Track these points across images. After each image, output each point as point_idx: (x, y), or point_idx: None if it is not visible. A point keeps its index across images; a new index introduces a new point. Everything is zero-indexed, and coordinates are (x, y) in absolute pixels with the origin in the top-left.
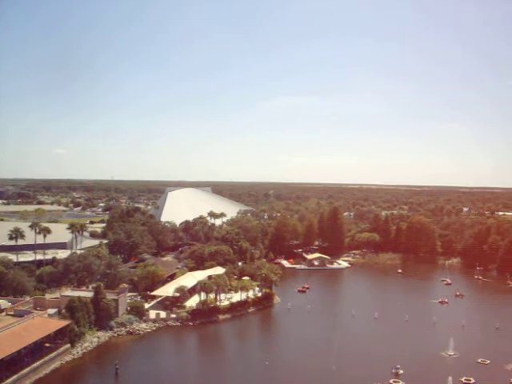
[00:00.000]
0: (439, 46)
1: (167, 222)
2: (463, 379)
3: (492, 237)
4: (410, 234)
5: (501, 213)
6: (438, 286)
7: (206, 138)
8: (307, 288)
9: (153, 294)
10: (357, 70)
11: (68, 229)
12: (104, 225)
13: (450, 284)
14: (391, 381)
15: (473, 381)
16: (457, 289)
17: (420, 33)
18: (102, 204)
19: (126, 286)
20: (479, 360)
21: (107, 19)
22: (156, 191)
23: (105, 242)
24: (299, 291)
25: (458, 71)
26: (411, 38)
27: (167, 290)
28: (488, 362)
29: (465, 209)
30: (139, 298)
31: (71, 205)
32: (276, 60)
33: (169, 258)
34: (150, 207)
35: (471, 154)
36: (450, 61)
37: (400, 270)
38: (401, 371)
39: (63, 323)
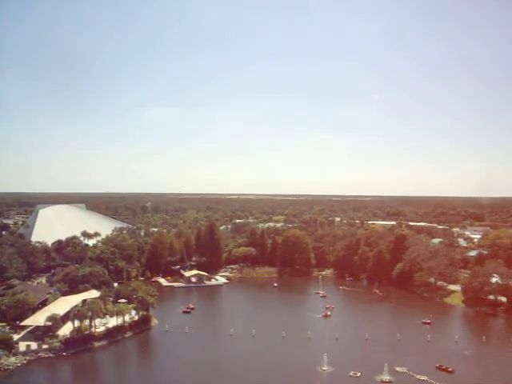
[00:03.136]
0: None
1: (38, 242)
2: None
3: (361, 248)
4: (286, 248)
5: (370, 222)
6: (313, 298)
7: (79, 145)
8: (192, 308)
9: (22, 323)
10: (234, 83)
11: None
12: None
13: (324, 296)
14: None
15: None
16: (327, 301)
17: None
18: None
19: None
20: (351, 373)
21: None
22: (27, 205)
23: None
24: (184, 312)
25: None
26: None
27: (38, 319)
28: (359, 374)
29: (337, 219)
30: (7, 328)
31: None
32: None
33: (41, 280)
34: (20, 223)
35: (345, 164)
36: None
37: (276, 284)
38: None
39: None
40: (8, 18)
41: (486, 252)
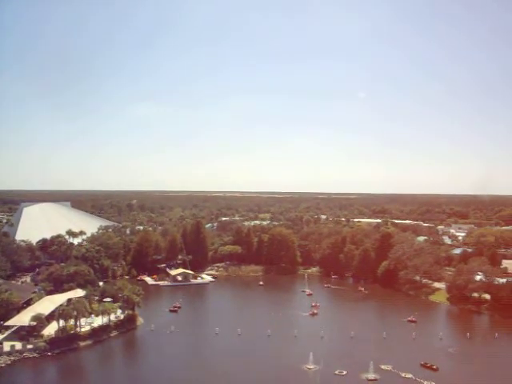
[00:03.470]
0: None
1: (23, 240)
2: None
3: (347, 246)
4: (272, 246)
5: (356, 220)
6: (299, 297)
7: (64, 143)
8: (179, 307)
9: (7, 323)
10: (224, 83)
11: None
12: None
13: (311, 294)
14: None
15: None
16: (313, 300)
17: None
18: None
19: None
20: (337, 371)
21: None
22: (11, 203)
23: None
24: (171, 311)
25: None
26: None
27: (23, 319)
28: (345, 372)
29: (323, 217)
30: None
31: None
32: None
33: (26, 279)
34: (5, 221)
35: (332, 162)
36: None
37: (261, 282)
38: None
39: None
40: (6, 17)
41: (470, 250)
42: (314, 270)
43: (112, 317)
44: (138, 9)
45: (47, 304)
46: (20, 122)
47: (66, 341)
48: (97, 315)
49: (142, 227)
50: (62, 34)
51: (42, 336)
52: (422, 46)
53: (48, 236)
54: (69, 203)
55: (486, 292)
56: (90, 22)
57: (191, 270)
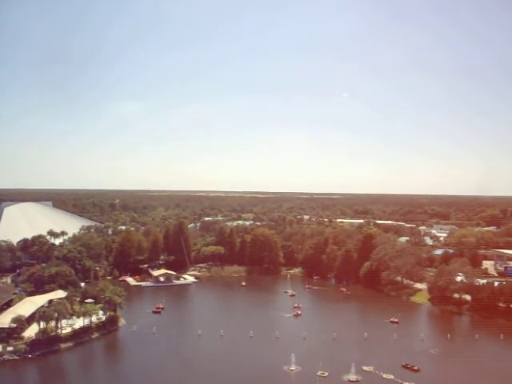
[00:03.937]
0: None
1: (3, 240)
2: None
3: (330, 247)
4: (255, 246)
5: (338, 220)
6: (282, 297)
7: (50, 144)
8: (162, 308)
9: None
10: (210, 81)
11: None
12: None
13: (293, 295)
14: None
15: None
16: (295, 300)
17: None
18: None
19: None
20: (319, 373)
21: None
22: None
23: None
24: (154, 312)
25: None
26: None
27: (2, 321)
28: (326, 374)
29: (305, 217)
30: None
31: None
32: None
33: (6, 280)
34: None
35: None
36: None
37: (244, 283)
38: None
39: None
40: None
41: (451, 251)
42: (297, 270)
43: (93, 318)
44: (132, 5)
45: (28, 305)
46: (8, 121)
47: (46, 343)
48: (78, 317)
49: (124, 227)
50: (54, 32)
51: (22, 338)
52: (423, 45)
53: (29, 236)
54: (50, 203)
55: (467, 293)
56: (84, 18)
57: (173, 270)
